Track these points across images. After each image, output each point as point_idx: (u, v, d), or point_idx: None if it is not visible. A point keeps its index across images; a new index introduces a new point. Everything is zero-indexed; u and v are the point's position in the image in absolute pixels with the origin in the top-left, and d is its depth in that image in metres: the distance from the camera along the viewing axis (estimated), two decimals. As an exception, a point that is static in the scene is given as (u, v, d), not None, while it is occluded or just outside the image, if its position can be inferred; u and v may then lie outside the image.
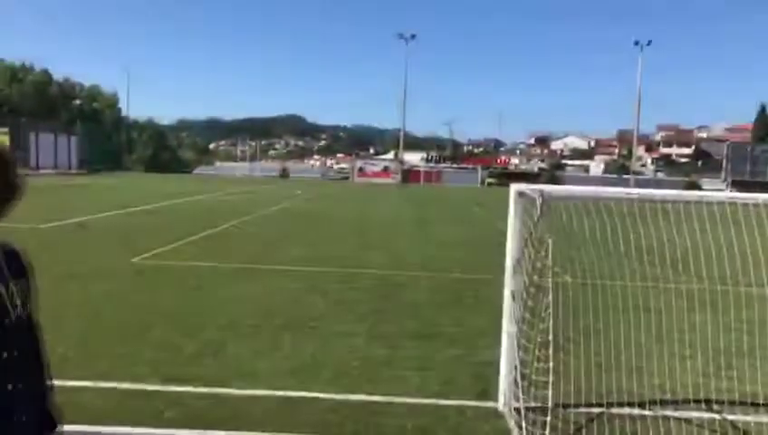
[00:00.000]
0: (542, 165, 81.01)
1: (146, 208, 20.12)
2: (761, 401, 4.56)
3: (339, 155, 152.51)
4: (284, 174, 70.79)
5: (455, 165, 74.90)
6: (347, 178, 68.29)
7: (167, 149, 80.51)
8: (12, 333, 1.61)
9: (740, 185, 56.81)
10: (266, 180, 55.60)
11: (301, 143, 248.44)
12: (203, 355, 5.45)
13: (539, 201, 4.03)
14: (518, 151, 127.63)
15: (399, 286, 8.78)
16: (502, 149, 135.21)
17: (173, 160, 78.94)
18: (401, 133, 73.68)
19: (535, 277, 4.28)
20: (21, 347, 1.64)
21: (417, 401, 4.61)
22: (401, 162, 68.51)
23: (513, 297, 4.40)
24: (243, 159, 79.26)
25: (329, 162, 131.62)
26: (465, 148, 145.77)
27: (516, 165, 77.15)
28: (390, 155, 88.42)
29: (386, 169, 67.04)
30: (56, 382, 4.89)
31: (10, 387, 1.57)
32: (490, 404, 4.57)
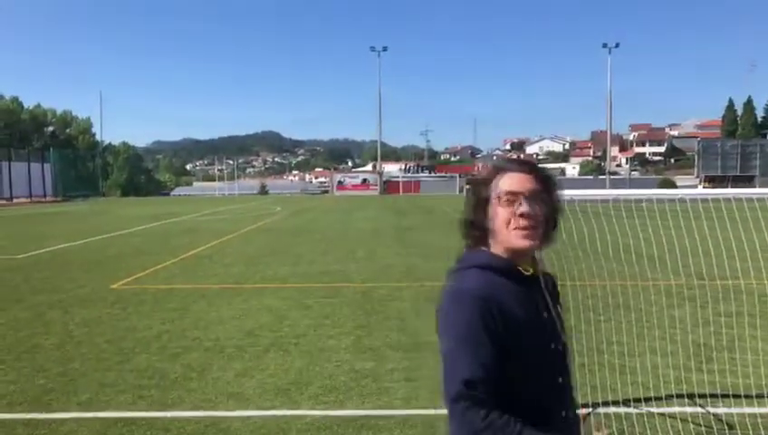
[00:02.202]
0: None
1: (123, 233, 19.91)
2: (742, 393, 4.64)
3: (317, 169, 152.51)
4: (263, 191, 70.60)
5: (433, 174, 75.27)
6: (327, 192, 68.28)
7: (143, 172, 79.92)
8: (563, 358, 1.60)
9: (712, 180, 57.99)
10: (245, 198, 55.33)
11: (278, 159, 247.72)
12: (188, 379, 5.40)
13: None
14: (494, 157, 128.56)
15: (384, 298, 8.79)
16: (478, 156, 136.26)
17: (150, 183, 78.38)
18: (378, 145, 73.93)
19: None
20: (568, 373, 1.62)
21: (405, 412, 4.61)
22: (380, 174, 68.67)
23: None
24: (221, 179, 78.80)
25: (308, 177, 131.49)
26: (442, 156, 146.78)
27: (494, 171, 77.61)
28: (369, 167, 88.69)
29: (365, 181, 67.19)
30: (38, 415, 4.82)
31: (563, 414, 1.55)
32: (478, 411, 4.59)
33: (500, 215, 1.53)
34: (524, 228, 1.51)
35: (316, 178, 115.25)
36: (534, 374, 1.49)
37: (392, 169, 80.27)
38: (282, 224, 23.23)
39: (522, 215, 1.50)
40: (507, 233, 1.52)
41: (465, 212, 1.62)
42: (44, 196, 54.73)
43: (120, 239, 17.94)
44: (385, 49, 68.89)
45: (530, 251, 1.56)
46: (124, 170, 71.65)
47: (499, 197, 1.53)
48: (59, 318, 7.77)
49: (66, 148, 66.39)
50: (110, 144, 76.65)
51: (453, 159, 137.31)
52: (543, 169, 1.63)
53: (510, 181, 1.54)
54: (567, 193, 4.39)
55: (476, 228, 1.58)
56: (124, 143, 77.76)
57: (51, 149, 60.45)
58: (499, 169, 1.58)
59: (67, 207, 40.55)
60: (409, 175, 72.64)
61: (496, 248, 1.56)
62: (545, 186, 1.57)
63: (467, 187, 1.62)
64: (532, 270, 1.59)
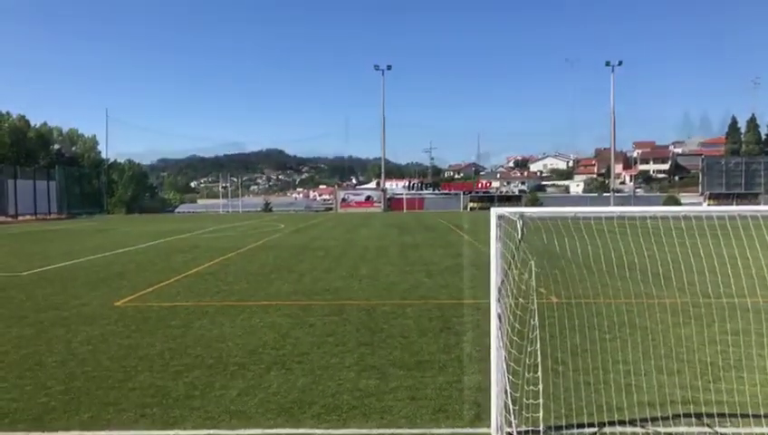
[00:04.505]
0: (523, 187, 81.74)
1: (127, 250, 19.93)
2: (750, 413, 4.58)
3: (321, 186, 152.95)
4: (267, 208, 70.71)
5: (437, 191, 75.33)
6: (331, 209, 68.35)
7: (148, 190, 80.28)
8: None
9: (717, 197, 57.95)
10: (250, 216, 55.42)
11: (282, 177, 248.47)
12: (191, 397, 5.37)
13: (519, 224, 4.08)
14: (498, 175, 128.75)
15: (387, 316, 8.75)
16: (482, 173, 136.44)
17: (155, 200, 78.67)
18: (382, 162, 74.18)
19: (520, 299, 4.31)
20: None
21: (409, 431, 4.57)
22: (384, 191, 68.78)
23: (500, 320, 4.42)
24: (225, 196, 79.03)
25: (312, 194, 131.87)
26: (446, 173, 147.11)
27: (498, 188, 77.76)
28: (373, 184, 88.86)
29: (369, 198, 67.28)
30: (39, 434, 4.79)
31: None
32: (483, 430, 4.55)
33: None
34: None
35: (320, 195, 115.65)
36: None
37: (396, 185, 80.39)
38: (285, 241, 23.23)
39: None
40: None
41: None
42: (49, 213, 54.99)
43: (124, 257, 17.96)
44: (389, 68, 69.50)
45: None
46: (129, 188, 71.91)
47: None
48: (62, 335, 7.76)
49: (71, 165, 66.79)
50: (115, 162, 77.05)
51: (457, 176, 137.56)
52: None
53: None
54: (572, 210, 4.39)
55: None
56: (129, 161, 78.14)
57: (56, 167, 60.83)
58: None
59: (71, 225, 40.67)
60: (413, 192, 72.68)
61: None
62: None
63: None
64: None
